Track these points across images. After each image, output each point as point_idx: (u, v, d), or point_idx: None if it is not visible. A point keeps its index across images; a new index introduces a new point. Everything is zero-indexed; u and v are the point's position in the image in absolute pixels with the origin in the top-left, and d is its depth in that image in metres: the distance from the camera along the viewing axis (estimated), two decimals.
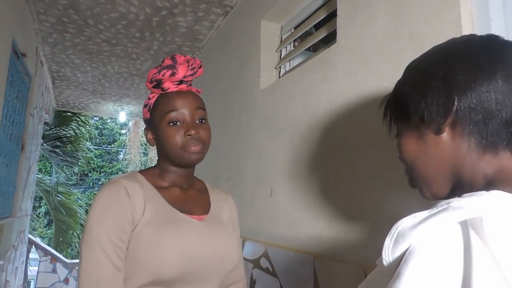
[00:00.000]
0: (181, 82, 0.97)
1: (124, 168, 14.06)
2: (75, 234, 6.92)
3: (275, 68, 1.99)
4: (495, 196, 0.43)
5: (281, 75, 1.95)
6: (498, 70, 0.51)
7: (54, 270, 5.25)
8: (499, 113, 0.51)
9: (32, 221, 6.55)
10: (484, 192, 0.44)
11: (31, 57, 2.85)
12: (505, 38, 0.56)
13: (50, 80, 3.99)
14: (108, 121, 14.85)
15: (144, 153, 14.38)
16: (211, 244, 0.94)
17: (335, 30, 1.40)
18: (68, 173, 8.04)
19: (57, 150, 6.34)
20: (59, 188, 6.98)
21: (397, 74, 0.65)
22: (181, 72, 0.95)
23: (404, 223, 0.45)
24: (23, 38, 2.50)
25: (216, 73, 2.67)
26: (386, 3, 1.14)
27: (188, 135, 0.93)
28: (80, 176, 12.97)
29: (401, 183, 0.97)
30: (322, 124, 1.41)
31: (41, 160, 8.88)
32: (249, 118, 2.08)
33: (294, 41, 1.94)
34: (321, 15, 1.62)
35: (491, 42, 0.55)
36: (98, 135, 14.44)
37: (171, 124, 0.94)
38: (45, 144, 5.89)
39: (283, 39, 2.01)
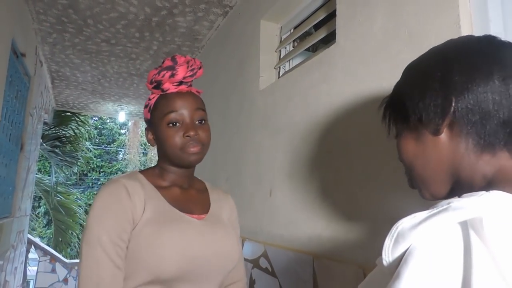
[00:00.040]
0: (180, 83, 0.97)
1: (123, 168, 14.05)
2: (75, 234, 6.92)
3: (274, 68, 2.00)
4: (495, 196, 0.43)
5: (280, 75, 1.96)
6: (495, 71, 0.51)
7: (53, 270, 5.25)
8: (496, 113, 0.51)
9: (31, 221, 6.54)
10: (484, 192, 0.44)
11: (31, 57, 2.85)
12: (503, 39, 0.56)
13: (49, 80, 3.99)
14: (108, 121, 14.83)
15: (143, 153, 14.37)
16: (211, 243, 0.94)
17: (335, 30, 1.40)
18: (67, 173, 8.04)
19: (56, 150, 6.34)
20: (58, 188, 6.98)
21: (396, 74, 0.66)
22: (180, 73, 0.96)
23: (404, 223, 0.45)
24: (22, 38, 2.50)
25: (216, 73, 2.67)
26: (385, 3, 1.14)
27: (187, 136, 0.94)
28: (79, 176, 12.96)
29: (400, 183, 0.97)
30: (321, 124, 1.41)
31: (40, 160, 8.87)
32: (248, 118, 2.08)
33: (294, 41, 1.94)
34: (321, 15, 1.62)
35: (488, 43, 0.56)
36: (98, 135, 14.43)
37: (171, 125, 0.95)
38: (44, 144, 5.89)
39: (282, 39, 2.01)
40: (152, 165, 1.07)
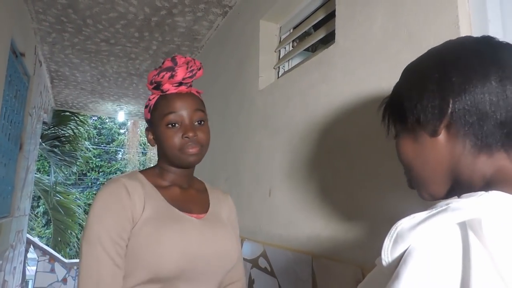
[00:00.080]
0: (180, 84, 0.98)
1: (122, 168, 14.04)
2: (74, 234, 6.92)
3: (273, 68, 2.00)
4: (494, 196, 0.43)
5: (279, 75, 1.96)
6: (492, 72, 0.51)
7: (52, 270, 5.25)
8: (494, 114, 0.51)
9: (31, 220, 6.55)
10: (483, 192, 0.44)
11: (30, 57, 2.85)
12: (502, 39, 0.56)
13: (48, 79, 3.98)
14: (107, 120, 14.82)
15: (142, 152, 14.36)
16: (210, 242, 0.95)
17: (334, 30, 1.40)
18: (66, 172, 8.02)
19: (55, 150, 6.34)
20: (57, 187, 6.98)
21: (396, 74, 0.66)
22: (180, 74, 0.96)
23: (403, 223, 0.46)
24: (21, 37, 2.50)
25: (215, 73, 2.67)
26: (385, 3, 1.14)
27: (186, 137, 0.94)
28: (78, 176, 12.94)
29: (399, 183, 0.97)
30: (320, 124, 1.42)
31: (39, 160, 8.87)
32: (247, 118, 2.08)
33: (293, 41, 1.94)
34: (320, 16, 1.63)
35: (485, 44, 0.56)
36: (97, 134, 14.41)
37: (170, 126, 0.95)
38: (43, 144, 5.88)
39: (282, 39, 2.01)
40: (152, 165, 1.07)
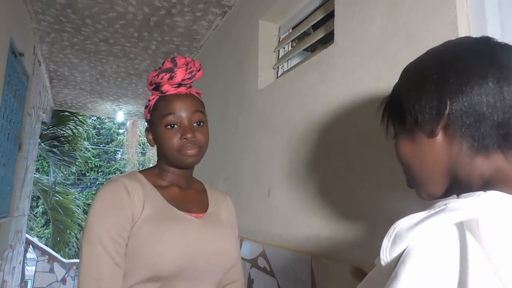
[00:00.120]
0: (179, 85, 0.98)
1: (121, 168, 14.03)
2: (73, 234, 6.92)
3: (273, 68, 2.00)
4: (492, 196, 0.43)
5: (279, 75, 1.96)
6: (490, 73, 0.51)
7: (51, 270, 5.24)
8: (491, 116, 0.51)
9: (30, 220, 6.55)
10: (481, 192, 0.44)
11: (29, 57, 2.85)
12: (500, 39, 0.56)
13: (47, 79, 3.98)
14: (106, 120, 14.81)
15: (142, 152, 14.35)
16: (209, 241, 0.95)
17: (333, 30, 1.40)
18: (65, 172, 8.03)
19: (54, 150, 6.34)
20: (56, 187, 6.97)
21: (394, 74, 0.66)
22: (179, 75, 0.96)
23: (402, 223, 0.46)
24: (20, 37, 2.50)
25: (214, 73, 2.67)
26: (384, 3, 1.15)
27: (185, 138, 0.94)
28: (77, 176, 12.94)
29: (398, 183, 0.98)
30: (319, 124, 1.42)
31: (38, 160, 8.86)
32: (246, 118, 2.09)
33: (292, 41, 1.94)
34: (319, 16, 1.63)
35: (484, 45, 0.56)
36: (96, 134, 14.39)
37: (169, 127, 0.95)
38: (42, 144, 5.88)
39: (281, 40, 2.01)
40: (151, 165, 1.07)
